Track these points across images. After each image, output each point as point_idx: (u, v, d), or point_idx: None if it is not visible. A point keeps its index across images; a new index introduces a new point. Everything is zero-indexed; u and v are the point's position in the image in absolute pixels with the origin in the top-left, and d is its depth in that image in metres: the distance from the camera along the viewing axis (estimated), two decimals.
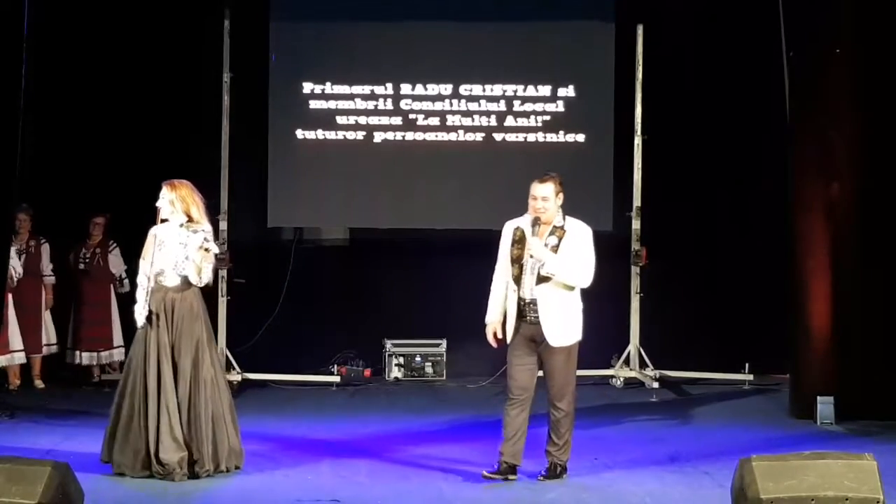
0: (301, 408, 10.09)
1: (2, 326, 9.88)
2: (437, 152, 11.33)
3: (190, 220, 7.40)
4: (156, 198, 7.49)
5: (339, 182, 11.27)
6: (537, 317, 7.18)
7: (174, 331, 7.32)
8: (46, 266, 10.76)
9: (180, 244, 7.37)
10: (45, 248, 10.78)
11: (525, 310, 7.23)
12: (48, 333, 10.80)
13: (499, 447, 7.32)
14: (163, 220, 7.43)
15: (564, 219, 7.25)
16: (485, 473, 7.28)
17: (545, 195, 7.17)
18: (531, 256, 7.15)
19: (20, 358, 10.47)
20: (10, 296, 10.16)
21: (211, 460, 7.34)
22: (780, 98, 9.74)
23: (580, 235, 7.22)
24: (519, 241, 7.20)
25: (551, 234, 7.20)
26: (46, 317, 10.80)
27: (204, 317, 7.49)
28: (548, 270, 7.12)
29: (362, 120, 11.26)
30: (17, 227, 10.51)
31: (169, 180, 7.48)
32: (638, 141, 11.40)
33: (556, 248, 7.16)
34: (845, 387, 9.26)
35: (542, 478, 7.30)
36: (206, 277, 7.45)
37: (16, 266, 10.30)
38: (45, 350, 10.79)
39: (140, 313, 7.34)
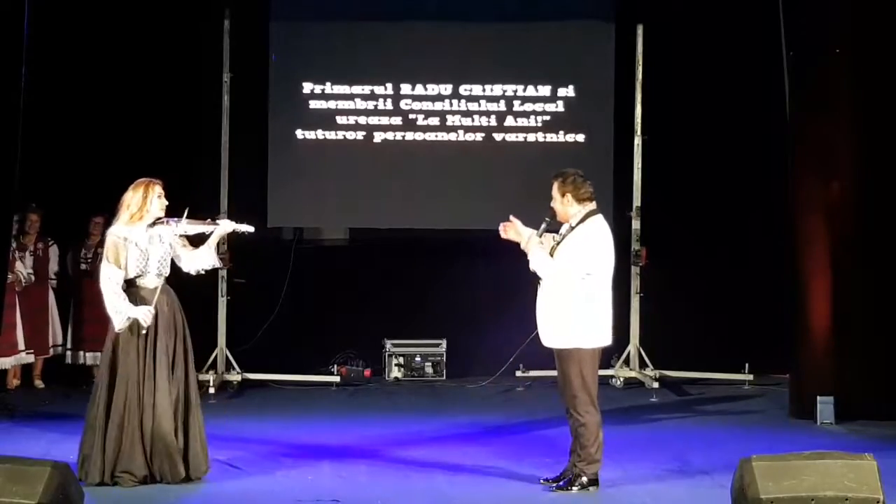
0: (301, 408, 10.09)
1: (2, 327, 9.87)
2: (437, 152, 11.33)
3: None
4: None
5: (339, 182, 11.28)
6: None
7: (169, 331, 7.20)
8: (53, 268, 10.78)
9: (162, 242, 7.24)
10: (54, 250, 10.84)
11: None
12: (55, 334, 10.83)
13: None
14: (159, 220, 7.34)
15: (585, 219, 7.03)
16: (545, 481, 7.18)
17: (552, 194, 7.10)
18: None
19: (27, 358, 10.51)
20: (15, 297, 10.21)
21: (204, 460, 7.28)
22: (780, 98, 9.73)
23: (578, 235, 7.00)
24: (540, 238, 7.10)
25: (567, 233, 7.04)
26: (54, 318, 10.82)
27: (183, 312, 7.40)
28: (531, 266, 7.02)
29: (362, 120, 11.26)
30: (26, 227, 10.53)
31: (151, 179, 7.32)
32: (638, 141, 11.41)
33: (556, 246, 7.02)
34: (845, 387, 9.26)
35: (545, 481, 7.19)
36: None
37: (22, 270, 10.32)
38: (52, 350, 10.82)
39: (143, 316, 7.10)
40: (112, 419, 7.11)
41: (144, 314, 7.12)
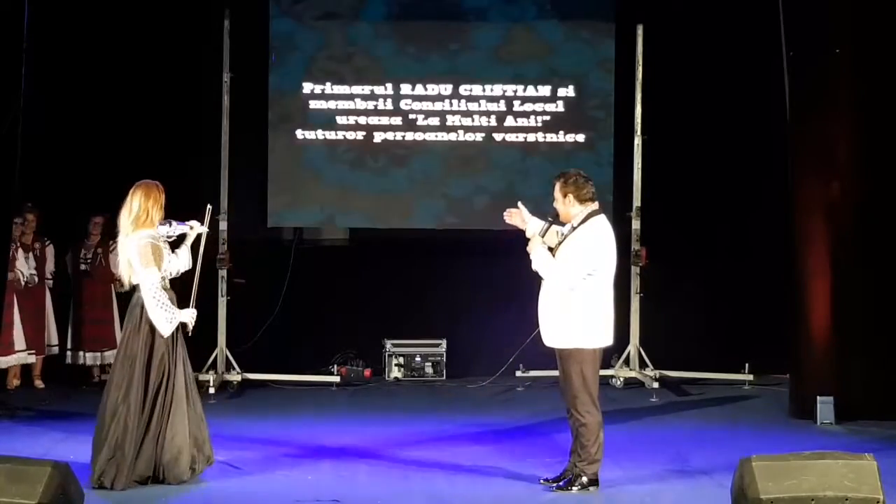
0: (301, 408, 10.09)
1: (2, 327, 9.88)
2: (437, 152, 11.34)
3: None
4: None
5: (339, 182, 11.29)
6: None
7: (178, 333, 7.22)
8: (50, 268, 10.79)
9: (167, 243, 7.26)
10: (50, 250, 10.83)
11: None
12: (50, 334, 10.83)
13: None
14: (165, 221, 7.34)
15: (586, 220, 7.03)
16: (545, 481, 7.19)
17: (554, 194, 7.11)
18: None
19: (26, 358, 10.52)
20: (14, 297, 10.21)
21: (210, 448, 7.28)
22: (780, 98, 9.74)
23: (579, 236, 7.00)
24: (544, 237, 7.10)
25: (569, 233, 7.04)
26: (49, 318, 10.82)
27: None
28: (534, 266, 7.03)
29: (362, 120, 11.27)
30: (23, 227, 10.52)
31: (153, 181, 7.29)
32: (638, 141, 11.41)
33: (557, 247, 7.03)
34: (845, 387, 9.26)
35: (545, 481, 7.19)
36: None
37: (23, 270, 10.33)
38: (47, 351, 10.82)
39: (190, 318, 7.12)
40: (141, 424, 7.08)
41: (190, 317, 7.16)
